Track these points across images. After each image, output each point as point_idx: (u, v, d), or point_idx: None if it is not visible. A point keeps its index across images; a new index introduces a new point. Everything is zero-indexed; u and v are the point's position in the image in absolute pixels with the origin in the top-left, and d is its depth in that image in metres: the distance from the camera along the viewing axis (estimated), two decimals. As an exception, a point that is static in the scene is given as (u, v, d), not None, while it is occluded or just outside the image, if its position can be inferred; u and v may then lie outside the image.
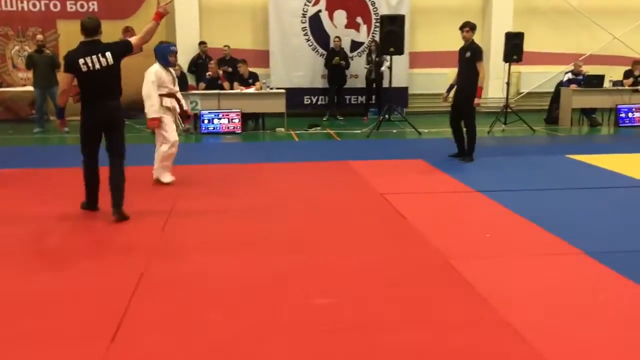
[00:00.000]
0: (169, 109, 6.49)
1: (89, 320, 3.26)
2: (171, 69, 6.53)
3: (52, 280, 3.90)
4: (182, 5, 12.24)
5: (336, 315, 3.36)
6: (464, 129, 7.96)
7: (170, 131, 6.48)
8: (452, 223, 5.18)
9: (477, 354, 2.93)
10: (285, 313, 3.38)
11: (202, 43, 12.20)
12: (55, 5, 12.24)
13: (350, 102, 13.36)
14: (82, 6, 12.24)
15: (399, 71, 12.62)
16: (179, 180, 6.60)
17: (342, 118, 12.71)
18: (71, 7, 12.27)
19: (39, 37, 11.18)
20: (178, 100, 6.58)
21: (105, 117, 5.12)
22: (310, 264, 4.16)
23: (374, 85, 12.72)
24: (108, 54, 5.00)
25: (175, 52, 6.57)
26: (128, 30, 11.95)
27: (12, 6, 12.14)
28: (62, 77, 5.24)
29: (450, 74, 8.04)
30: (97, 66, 4.95)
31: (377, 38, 12.24)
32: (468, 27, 7.70)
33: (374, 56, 12.52)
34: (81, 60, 4.92)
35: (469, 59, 7.69)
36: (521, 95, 13.97)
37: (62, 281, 3.89)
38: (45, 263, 4.28)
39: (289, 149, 9.20)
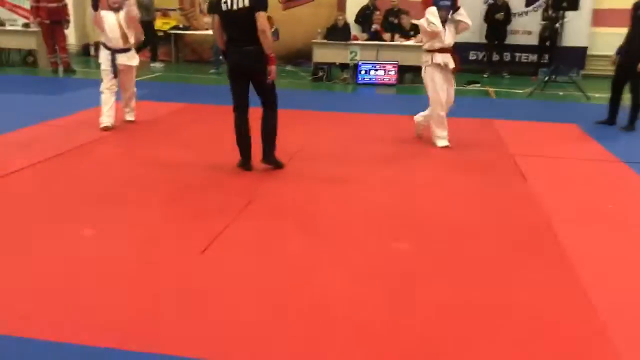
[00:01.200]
0: (440, 66, 6.03)
1: (190, 235, 3.71)
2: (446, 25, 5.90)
3: (167, 209, 4.35)
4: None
5: (413, 261, 3.47)
6: (629, 95, 7.26)
7: (435, 92, 6.13)
8: (576, 189, 4.89)
9: (537, 315, 2.88)
10: (369, 254, 3.56)
11: (373, -6, 12.32)
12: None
13: (520, 60, 12.64)
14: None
15: (578, 29, 11.67)
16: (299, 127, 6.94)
17: (508, 76, 12.14)
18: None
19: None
20: (454, 58, 6.07)
21: (241, 62, 4.96)
22: (409, 212, 4.29)
23: (548, 43, 11.91)
24: None
25: (444, 7, 5.85)
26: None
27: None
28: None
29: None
30: (235, 7, 4.77)
31: (556, -8, 11.34)
32: (647, -19, 6.90)
33: (550, 12, 11.67)
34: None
35: (647, 18, 6.94)
36: None
37: (175, 208, 4.32)
38: (169, 192, 4.72)
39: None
